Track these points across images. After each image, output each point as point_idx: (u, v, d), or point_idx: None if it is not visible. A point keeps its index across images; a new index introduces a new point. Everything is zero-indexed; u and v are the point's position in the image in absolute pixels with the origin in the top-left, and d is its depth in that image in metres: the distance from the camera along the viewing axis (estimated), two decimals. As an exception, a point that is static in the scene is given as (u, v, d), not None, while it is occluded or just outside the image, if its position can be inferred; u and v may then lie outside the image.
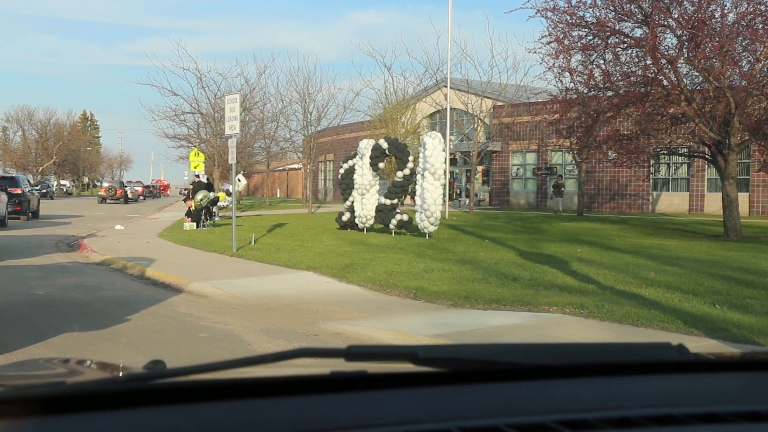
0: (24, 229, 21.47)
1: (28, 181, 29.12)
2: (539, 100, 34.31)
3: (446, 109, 30.74)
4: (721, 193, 30.50)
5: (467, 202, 35.31)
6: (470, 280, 10.02)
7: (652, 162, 23.15)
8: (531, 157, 37.64)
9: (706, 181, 31.31)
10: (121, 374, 1.43)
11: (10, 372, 1.61)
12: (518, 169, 38.38)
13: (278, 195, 69.65)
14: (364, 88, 42.80)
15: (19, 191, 24.53)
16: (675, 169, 31.51)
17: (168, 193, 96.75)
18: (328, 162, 53.50)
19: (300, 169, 65.88)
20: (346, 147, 49.46)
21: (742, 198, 25.97)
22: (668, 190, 32.64)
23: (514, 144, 37.89)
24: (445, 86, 34.73)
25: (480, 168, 37.77)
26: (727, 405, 1.23)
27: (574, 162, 31.15)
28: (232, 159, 13.84)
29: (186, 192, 52.80)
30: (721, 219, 25.79)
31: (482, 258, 12.57)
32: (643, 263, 11.72)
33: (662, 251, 13.96)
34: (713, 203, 30.85)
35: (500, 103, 34.52)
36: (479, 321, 7.47)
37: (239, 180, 24.49)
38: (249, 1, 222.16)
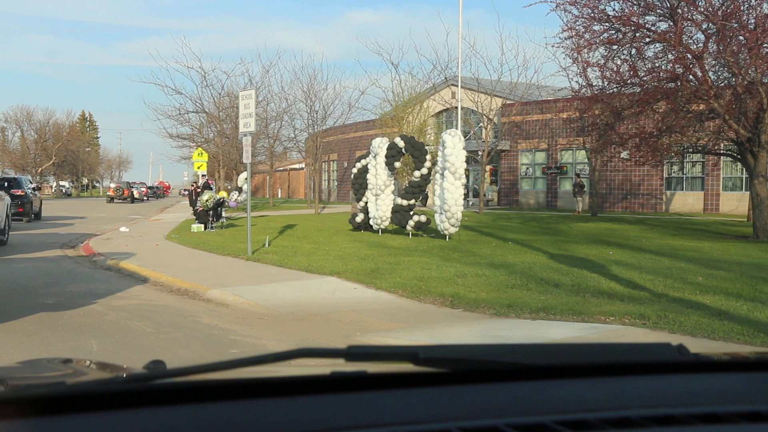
0: (27, 230, 20.85)
1: (30, 182, 28.73)
2: (549, 98, 33.70)
3: (454, 107, 30.14)
4: (738, 193, 30.09)
5: (476, 202, 34.66)
6: (508, 286, 9.38)
7: (675, 160, 22.48)
8: (540, 156, 36.99)
9: (721, 180, 30.67)
10: (122, 375, 1.37)
11: (10, 372, 1.56)
12: (527, 168, 37.73)
13: (279, 195, 68.97)
14: (369, 86, 41.95)
15: (21, 193, 24.30)
16: (689, 168, 30.87)
17: (169, 193, 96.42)
18: (331, 162, 52.84)
19: (302, 169, 65.23)
20: (350, 146, 48.86)
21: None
22: (682, 190, 32.00)
23: (523, 143, 37.25)
24: (453, 84, 34.11)
25: (488, 167, 37.14)
26: (727, 405, 1.23)
27: (587, 161, 30.51)
28: (247, 158, 13.16)
29: (186, 193, 51.88)
30: (741, 219, 25.25)
31: (513, 261, 11.93)
32: (684, 267, 11.08)
33: (698, 254, 13.33)
34: (729, 203, 30.26)
35: (510, 102, 33.89)
36: (534, 333, 6.83)
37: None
38: (246, 2, 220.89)
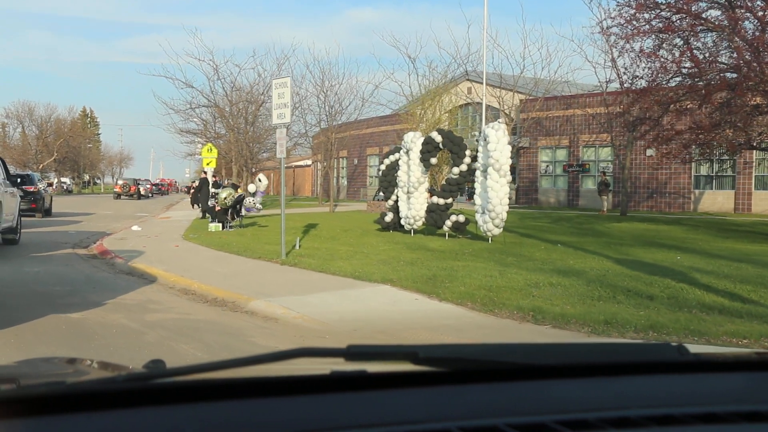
0: (38, 228, 19.82)
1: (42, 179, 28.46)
2: (574, 93, 32.53)
3: (477, 102, 28.98)
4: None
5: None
6: (593, 298, 8.25)
7: (725, 157, 21.30)
8: (561, 154, 35.79)
9: (753, 178, 29.50)
10: (122, 374, 1.28)
11: (11, 371, 1.50)
12: (548, 165, 36.53)
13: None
14: (384, 80, 40.94)
15: (34, 189, 24.13)
16: (719, 167, 29.71)
17: (171, 190, 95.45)
18: (341, 159, 51.66)
19: (307, 166, 63.96)
20: (360, 143, 47.75)
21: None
22: (711, 188, 30.84)
23: (543, 139, 36.05)
24: (471, 79, 32.96)
25: (506, 165, 35.95)
26: (727, 405, 1.21)
27: (612, 158, 29.33)
28: (281, 152, 11.98)
29: (187, 189, 50.26)
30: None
31: (579, 267, 10.79)
32: (775, 275, 9.96)
33: (773, 258, 12.21)
34: (762, 202, 29.15)
35: (532, 97, 32.71)
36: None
37: (260, 180, 22.50)
38: (243, 1, 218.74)
